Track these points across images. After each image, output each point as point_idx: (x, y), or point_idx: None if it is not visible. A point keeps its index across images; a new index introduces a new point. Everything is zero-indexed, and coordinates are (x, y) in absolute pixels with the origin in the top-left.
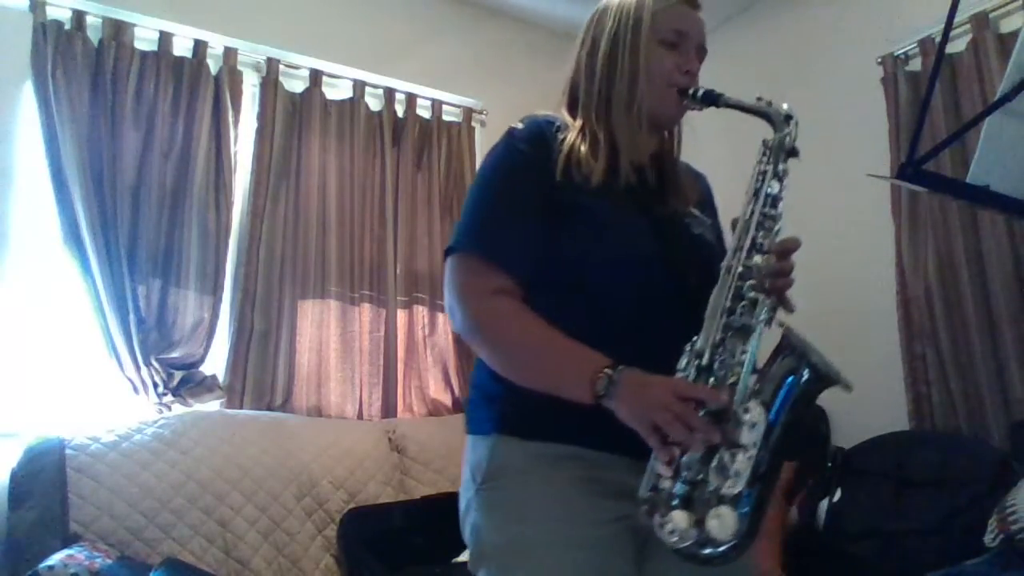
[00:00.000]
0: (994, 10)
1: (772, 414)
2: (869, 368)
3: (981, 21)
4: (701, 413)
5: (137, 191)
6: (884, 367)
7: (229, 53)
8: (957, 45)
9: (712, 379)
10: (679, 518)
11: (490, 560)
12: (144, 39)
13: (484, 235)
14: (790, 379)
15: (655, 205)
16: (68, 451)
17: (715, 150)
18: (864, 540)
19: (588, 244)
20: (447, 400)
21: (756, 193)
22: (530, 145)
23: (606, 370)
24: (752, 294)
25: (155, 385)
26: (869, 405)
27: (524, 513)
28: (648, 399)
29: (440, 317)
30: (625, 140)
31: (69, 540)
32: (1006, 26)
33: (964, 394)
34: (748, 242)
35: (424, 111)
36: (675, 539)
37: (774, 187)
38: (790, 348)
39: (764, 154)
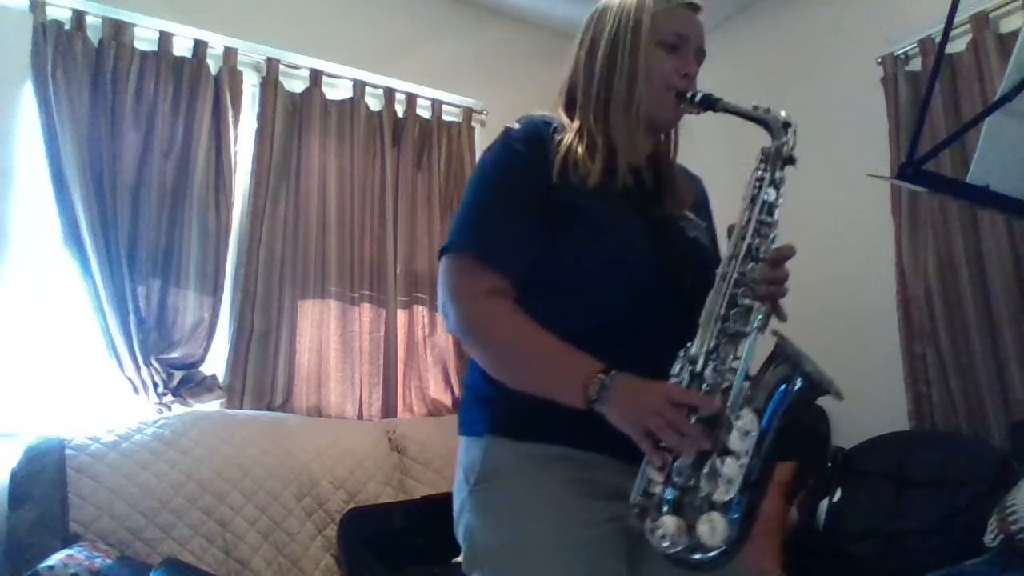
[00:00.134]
0: (994, 10)
1: (764, 421)
2: (869, 368)
3: (981, 21)
4: (694, 419)
5: (137, 191)
6: (884, 367)
7: (229, 53)
8: (957, 45)
9: (705, 385)
10: (670, 523)
11: (484, 561)
12: (144, 39)
13: (479, 236)
14: (783, 387)
15: (651, 207)
16: (68, 451)
17: (713, 153)
18: (864, 540)
19: (584, 246)
20: (447, 400)
21: (753, 200)
22: (526, 145)
23: (599, 375)
24: (746, 301)
25: (155, 385)
26: (869, 405)
27: (517, 514)
28: (641, 404)
29: (440, 317)
30: (623, 141)
31: (69, 540)
32: (1006, 26)
33: (964, 394)
34: (744, 249)
35: (424, 111)
36: (666, 544)
37: (771, 194)
38: (783, 356)
39: (761, 161)
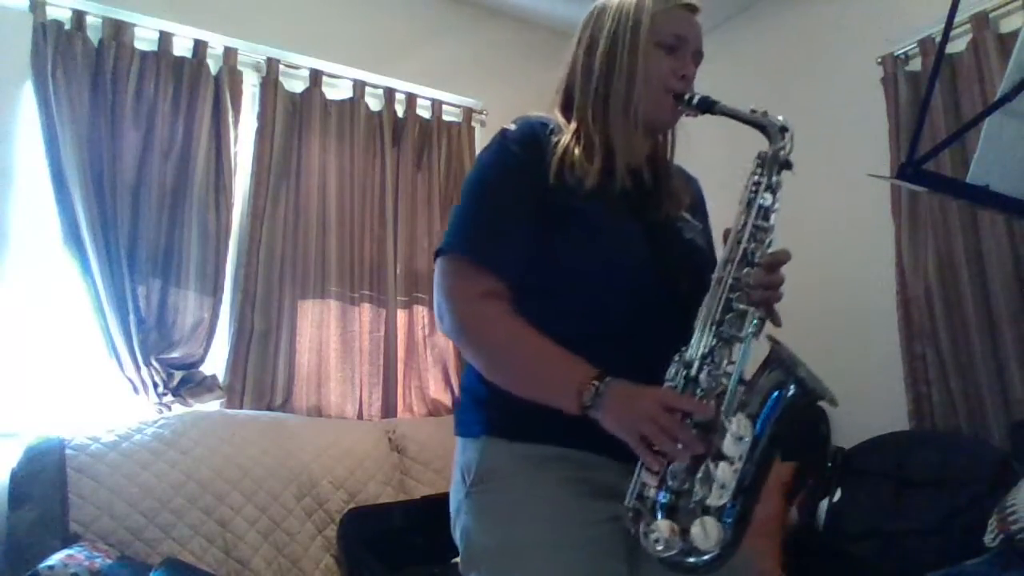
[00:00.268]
0: (994, 10)
1: (758, 427)
2: (869, 368)
3: (981, 21)
4: (689, 424)
5: (137, 191)
6: (884, 367)
7: (229, 53)
8: (957, 45)
9: (700, 390)
10: (663, 527)
11: (481, 562)
12: (144, 39)
13: (474, 238)
14: (777, 392)
15: (649, 209)
16: (68, 451)
17: (713, 153)
18: (864, 540)
19: (580, 248)
20: (447, 400)
21: (749, 204)
22: (523, 147)
23: (593, 381)
24: (741, 306)
25: (155, 385)
26: (869, 405)
27: (514, 515)
28: (635, 410)
29: None
30: (621, 143)
31: (69, 540)
32: (1006, 26)
33: (964, 394)
34: (739, 254)
35: (424, 111)
36: (660, 548)
37: (767, 199)
38: (778, 362)
39: (758, 165)
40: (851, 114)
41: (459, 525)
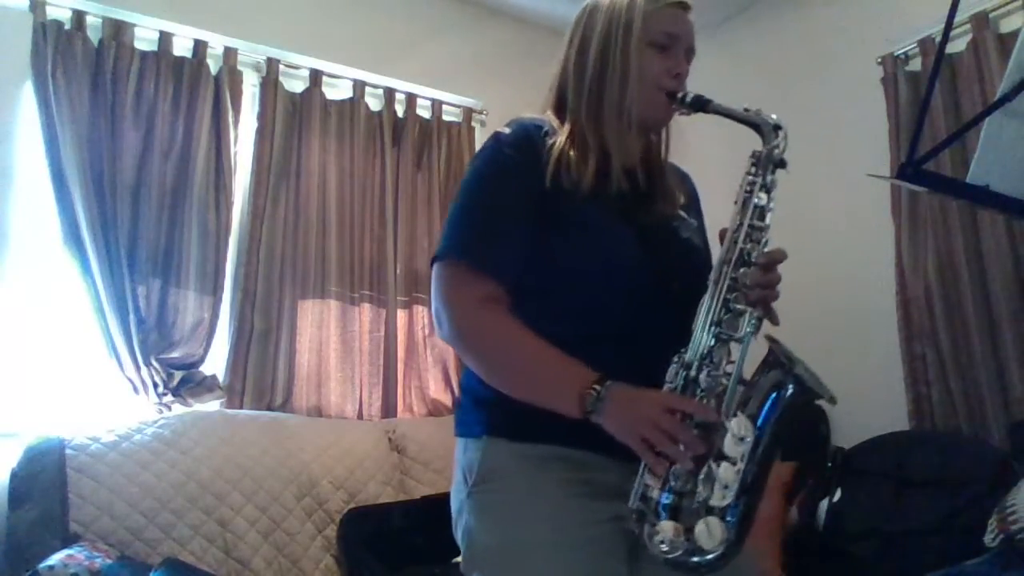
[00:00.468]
0: (994, 10)
1: (759, 426)
2: (869, 368)
3: (981, 21)
4: (690, 425)
5: (137, 191)
6: (884, 367)
7: (229, 53)
8: (957, 45)
9: (700, 391)
10: (667, 528)
11: (483, 562)
12: (144, 39)
13: (470, 243)
14: (776, 392)
15: (644, 210)
16: (68, 451)
17: (710, 151)
18: (864, 540)
19: (578, 250)
20: (447, 400)
21: (744, 204)
22: (517, 150)
23: (594, 386)
24: (739, 306)
25: (155, 385)
26: (869, 405)
27: (516, 515)
28: (637, 414)
29: None
30: (615, 143)
31: (69, 540)
32: (1006, 26)
33: (964, 394)
34: (736, 254)
35: (424, 111)
36: (664, 548)
37: (762, 198)
38: (776, 361)
39: (753, 165)
40: (851, 114)
41: (461, 525)
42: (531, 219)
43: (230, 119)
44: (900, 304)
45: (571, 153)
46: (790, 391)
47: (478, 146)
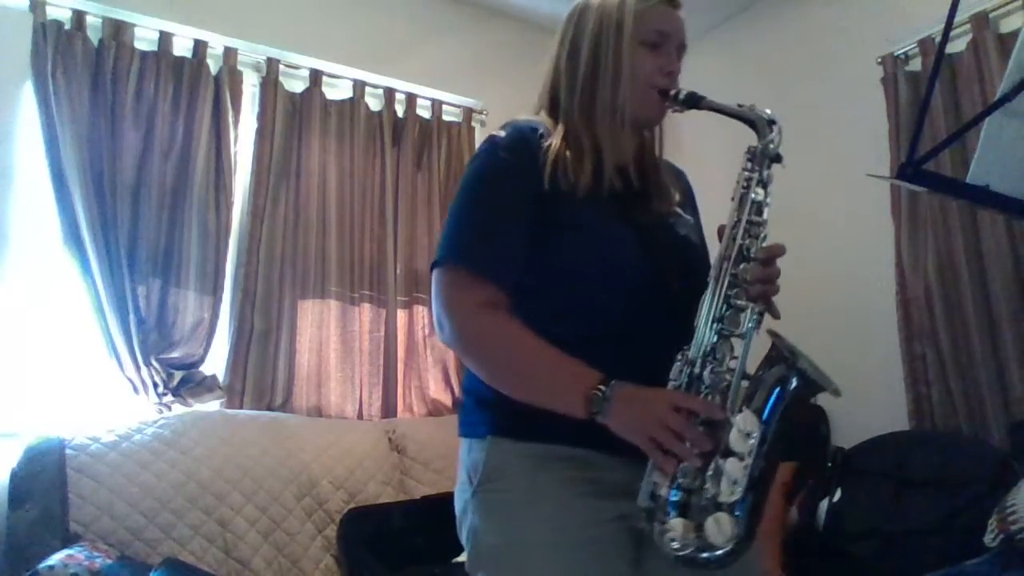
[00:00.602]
0: (994, 10)
1: (765, 421)
2: (869, 368)
3: (981, 21)
4: (696, 423)
5: (137, 191)
6: (884, 367)
7: (229, 53)
8: (957, 45)
9: (704, 387)
10: (678, 525)
11: (488, 562)
12: (144, 39)
13: (469, 247)
14: (780, 386)
15: (641, 209)
16: (68, 451)
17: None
18: (864, 540)
19: (577, 251)
20: (447, 400)
21: (741, 200)
22: (513, 153)
23: (599, 387)
24: (740, 302)
25: (155, 385)
26: (869, 405)
27: (520, 514)
28: (643, 414)
29: None
30: (609, 142)
31: (69, 540)
32: (1006, 26)
33: (964, 394)
34: (735, 250)
35: (424, 111)
36: (675, 546)
37: (759, 193)
38: (779, 355)
39: (748, 160)
40: (851, 114)
41: (466, 525)
42: (529, 221)
43: (230, 119)
44: (900, 304)
45: (567, 154)
46: (794, 385)
47: (478, 146)
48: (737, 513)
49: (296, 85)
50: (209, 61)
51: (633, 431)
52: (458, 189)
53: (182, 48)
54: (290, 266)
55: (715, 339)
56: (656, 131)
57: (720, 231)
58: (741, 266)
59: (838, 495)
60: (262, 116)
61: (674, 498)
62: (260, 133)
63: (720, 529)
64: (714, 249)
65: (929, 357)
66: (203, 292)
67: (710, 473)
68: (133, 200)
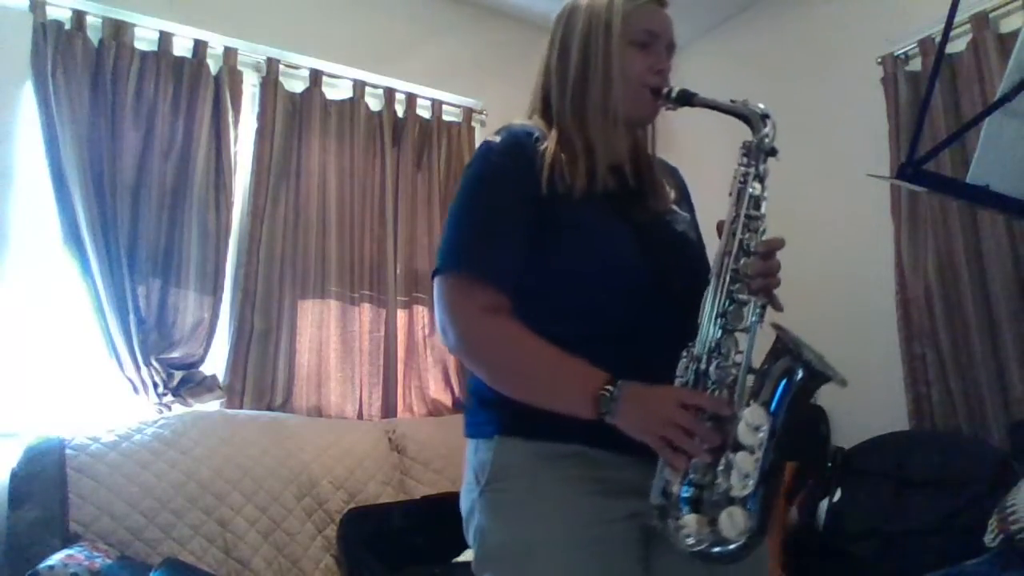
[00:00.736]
0: (994, 10)
1: (773, 414)
2: (869, 368)
3: (981, 21)
4: (706, 419)
5: (137, 191)
6: (884, 367)
7: (229, 53)
8: (957, 45)
9: (710, 382)
10: (692, 521)
11: (495, 562)
12: (144, 39)
13: (469, 253)
14: (787, 378)
15: (638, 208)
16: (68, 451)
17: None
18: (864, 540)
19: (576, 253)
20: (447, 400)
21: (739, 195)
22: (508, 157)
23: (606, 387)
24: (742, 296)
25: (155, 385)
26: (869, 405)
27: (529, 514)
28: (652, 412)
29: None
30: (601, 143)
31: (69, 540)
32: (1006, 26)
33: (964, 394)
34: (735, 245)
35: (424, 111)
36: (690, 541)
37: (756, 188)
38: (784, 348)
39: (744, 155)
40: (851, 114)
41: (472, 525)
42: (527, 223)
43: (230, 119)
44: (900, 304)
45: (563, 157)
46: (800, 376)
47: (475, 151)
48: (750, 506)
49: (296, 85)
50: (209, 61)
51: (642, 430)
52: (455, 195)
53: (182, 48)
54: (290, 266)
55: (719, 334)
56: (648, 130)
57: (719, 227)
58: (742, 261)
59: (838, 495)
60: (262, 116)
61: (686, 494)
62: (260, 133)
63: (733, 523)
64: (713, 245)
65: (929, 357)
66: (203, 292)
67: (721, 468)
68: (133, 200)
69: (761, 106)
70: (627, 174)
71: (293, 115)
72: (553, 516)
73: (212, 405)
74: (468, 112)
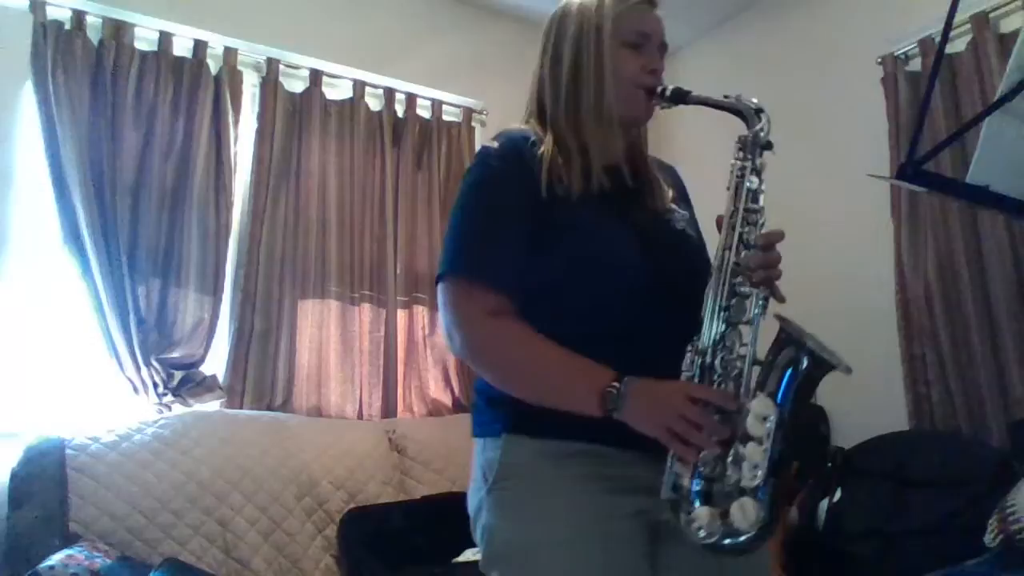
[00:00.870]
0: (994, 10)
1: (779, 404)
2: (869, 368)
3: (981, 21)
4: (713, 412)
5: (137, 191)
6: (884, 367)
7: (229, 53)
8: (957, 45)
9: (716, 375)
10: (704, 514)
11: (503, 560)
12: (144, 39)
13: (470, 257)
14: (792, 368)
15: (637, 207)
16: (68, 451)
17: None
18: (864, 540)
19: (577, 255)
20: (447, 400)
21: (737, 189)
22: (506, 162)
23: (613, 384)
24: (744, 289)
25: (155, 385)
26: (869, 405)
27: (536, 512)
28: (660, 407)
29: (441, 317)
30: (596, 145)
31: (69, 540)
32: (1006, 26)
33: (964, 394)
34: (735, 239)
35: (424, 111)
36: (703, 534)
37: (753, 182)
38: (788, 338)
39: (740, 150)
40: (851, 114)
41: (480, 524)
42: (528, 226)
43: (230, 119)
44: (900, 304)
45: (559, 160)
46: (805, 365)
47: (478, 146)
48: (760, 496)
49: (296, 85)
50: (209, 61)
51: (651, 425)
52: (456, 201)
53: (182, 48)
54: (290, 266)
55: (723, 328)
56: (643, 129)
57: (719, 222)
58: (742, 254)
59: (838, 495)
60: (262, 116)
61: (697, 487)
62: (260, 133)
63: (745, 514)
64: (713, 242)
65: (929, 357)
66: (203, 292)
67: (731, 460)
68: (133, 200)
69: (755, 100)
70: (625, 174)
71: (293, 115)
72: (560, 514)
73: (212, 405)
74: (468, 112)
